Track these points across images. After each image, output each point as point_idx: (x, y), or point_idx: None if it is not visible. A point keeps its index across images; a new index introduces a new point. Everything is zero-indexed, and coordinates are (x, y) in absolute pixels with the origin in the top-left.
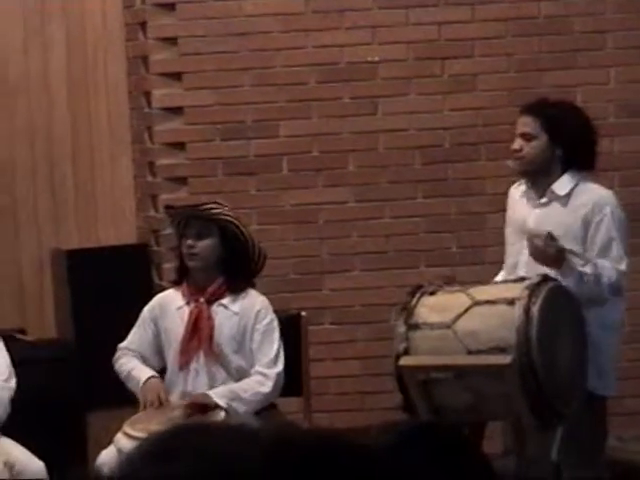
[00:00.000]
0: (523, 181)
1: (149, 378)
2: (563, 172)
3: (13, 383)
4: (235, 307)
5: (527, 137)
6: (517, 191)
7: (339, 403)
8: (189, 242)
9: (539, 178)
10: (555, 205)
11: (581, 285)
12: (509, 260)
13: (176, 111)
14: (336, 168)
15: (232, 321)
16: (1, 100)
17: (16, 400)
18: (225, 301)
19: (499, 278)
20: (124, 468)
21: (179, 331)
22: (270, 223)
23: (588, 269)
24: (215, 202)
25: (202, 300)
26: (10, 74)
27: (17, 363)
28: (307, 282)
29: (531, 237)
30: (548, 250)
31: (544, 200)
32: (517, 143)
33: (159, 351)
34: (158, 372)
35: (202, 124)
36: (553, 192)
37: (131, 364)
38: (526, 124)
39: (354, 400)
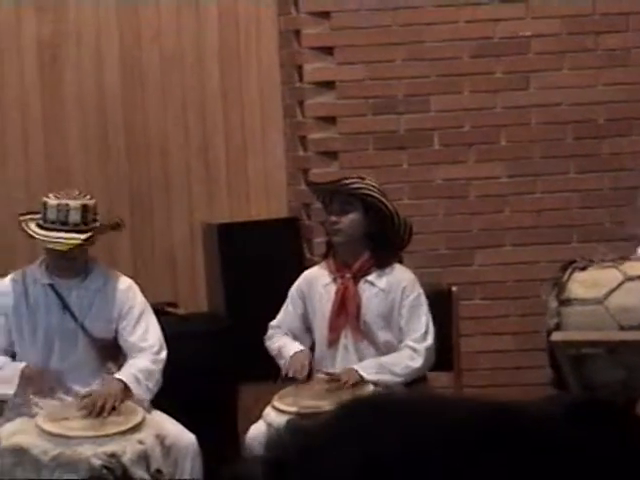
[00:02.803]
0: None
1: (296, 352)
2: None
3: (164, 355)
4: (381, 283)
5: None
6: None
7: (490, 378)
8: (332, 218)
9: None
10: None
11: None
12: None
13: (328, 85)
14: (488, 143)
15: (379, 298)
16: (155, 75)
17: (167, 373)
18: (371, 277)
19: None
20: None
21: (327, 308)
22: (421, 198)
23: None
24: (358, 176)
25: (348, 276)
26: (164, 49)
27: (169, 336)
28: (458, 257)
29: None
30: None
31: None
32: None
33: (309, 328)
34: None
35: (353, 98)
36: None
37: (281, 342)
38: None
39: (505, 375)
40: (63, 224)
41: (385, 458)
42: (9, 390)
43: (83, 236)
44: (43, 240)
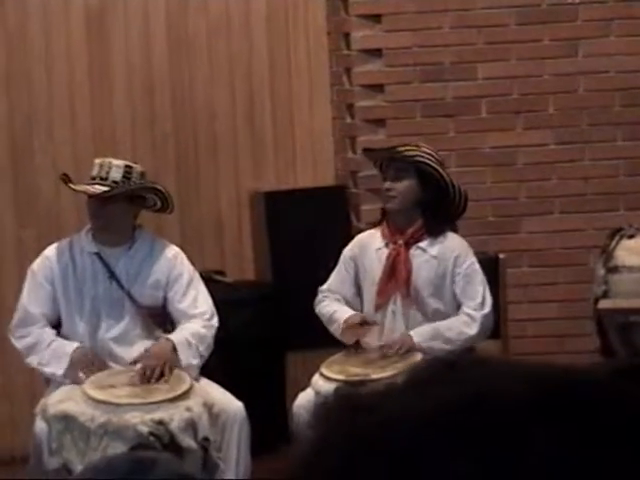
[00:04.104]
0: None
1: (351, 315)
2: None
3: (215, 321)
4: (433, 250)
5: None
6: None
7: (537, 346)
8: (386, 184)
9: None
10: None
11: None
12: None
13: (375, 53)
14: (536, 110)
15: (430, 264)
16: (202, 41)
17: (215, 341)
18: (423, 244)
19: None
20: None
21: (377, 272)
22: (468, 165)
23: None
24: (414, 144)
25: (401, 242)
26: (211, 15)
27: (216, 304)
28: (505, 225)
29: None
30: None
31: None
32: None
33: (360, 292)
34: None
35: (401, 66)
36: None
37: (332, 307)
38: None
39: (552, 343)
40: (103, 179)
41: (454, 409)
42: (58, 370)
43: (105, 188)
44: (74, 190)
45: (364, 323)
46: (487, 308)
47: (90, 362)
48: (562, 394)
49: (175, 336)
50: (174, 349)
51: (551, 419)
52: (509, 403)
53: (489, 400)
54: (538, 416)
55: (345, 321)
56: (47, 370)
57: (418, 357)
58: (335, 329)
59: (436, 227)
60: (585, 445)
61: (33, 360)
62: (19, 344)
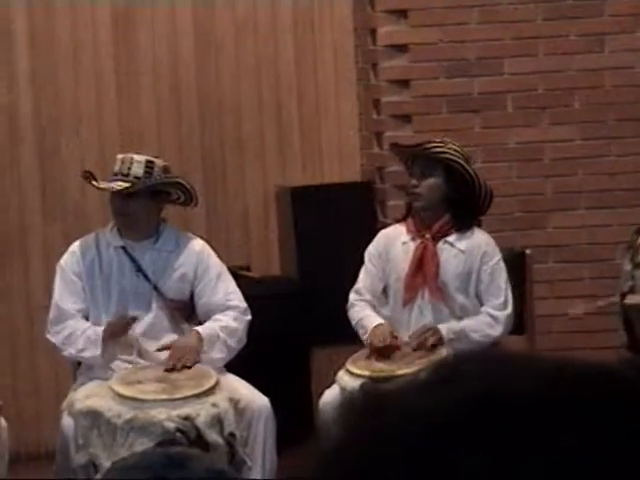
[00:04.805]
0: None
1: (379, 324)
2: None
3: (249, 317)
4: (461, 245)
5: None
6: None
7: (563, 341)
8: (413, 181)
9: None
10: None
11: None
12: None
13: (401, 48)
14: (562, 106)
15: (458, 259)
16: (228, 38)
17: None
18: (451, 239)
19: None
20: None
21: (403, 267)
22: (494, 161)
23: None
24: (440, 140)
25: (428, 236)
26: (237, 12)
27: None
28: (532, 220)
29: None
30: None
31: None
32: None
33: (385, 287)
34: None
35: (427, 61)
36: None
37: (362, 313)
38: None
39: (578, 339)
40: (125, 175)
41: (466, 407)
42: (95, 352)
43: (127, 184)
44: (96, 187)
45: (393, 338)
46: (509, 308)
47: (115, 326)
48: (576, 389)
49: (203, 328)
50: (200, 340)
51: (563, 414)
52: (521, 398)
53: (502, 396)
54: (551, 411)
55: (372, 334)
56: (85, 355)
57: (443, 353)
58: (362, 335)
59: (463, 223)
60: (600, 443)
61: (70, 351)
62: (55, 339)
